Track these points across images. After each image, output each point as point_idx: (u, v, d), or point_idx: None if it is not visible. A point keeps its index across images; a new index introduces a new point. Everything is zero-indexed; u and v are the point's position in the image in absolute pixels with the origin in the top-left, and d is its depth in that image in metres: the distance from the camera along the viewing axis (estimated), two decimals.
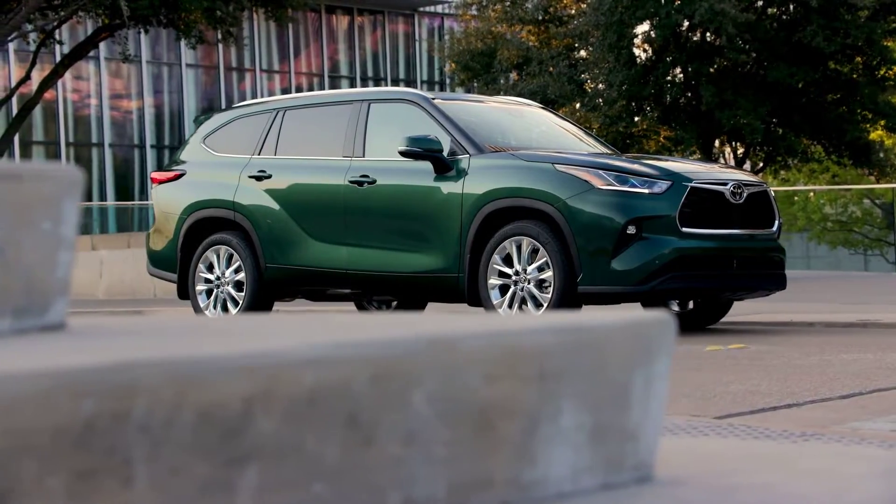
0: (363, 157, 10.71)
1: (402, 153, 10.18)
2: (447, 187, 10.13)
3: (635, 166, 9.81)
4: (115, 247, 20.17)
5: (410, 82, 49.51)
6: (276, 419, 1.28)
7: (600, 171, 9.65)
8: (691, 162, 11.30)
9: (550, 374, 1.50)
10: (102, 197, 43.56)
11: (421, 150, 10.11)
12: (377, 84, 48.07)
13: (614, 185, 9.56)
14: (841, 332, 9.90)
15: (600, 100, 28.87)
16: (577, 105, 28.87)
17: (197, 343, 1.42)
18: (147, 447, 1.21)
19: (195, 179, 11.74)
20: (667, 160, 10.83)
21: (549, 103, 28.56)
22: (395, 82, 48.93)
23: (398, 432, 1.38)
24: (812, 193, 48.86)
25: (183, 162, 12.06)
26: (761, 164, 31.24)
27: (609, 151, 11.25)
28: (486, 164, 10.04)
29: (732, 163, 31.75)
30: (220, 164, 11.63)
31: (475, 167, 10.04)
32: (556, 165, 9.79)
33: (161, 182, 12.03)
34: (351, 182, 10.64)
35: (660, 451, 1.70)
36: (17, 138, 40.43)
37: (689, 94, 29.53)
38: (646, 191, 9.56)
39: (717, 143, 31.39)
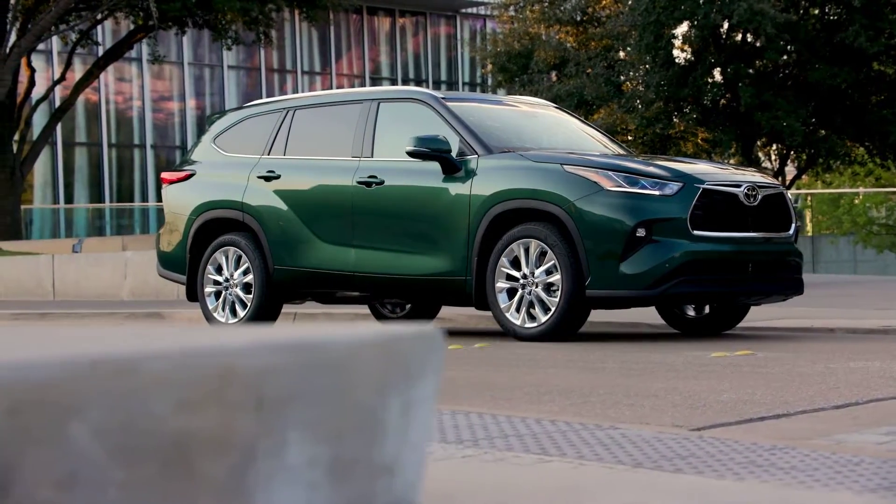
0: (371, 157, 10.50)
1: (410, 153, 9.96)
2: (455, 188, 9.90)
3: (645, 167, 9.52)
4: (143, 248, 20.05)
5: (452, 84, 49.37)
6: None
7: (609, 172, 9.38)
8: (705, 163, 10.96)
9: (272, 400, 1.25)
10: (144, 198, 43.69)
11: (429, 150, 9.89)
12: (419, 87, 48.01)
13: (624, 187, 9.28)
14: (860, 338, 9.57)
15: (638, 101, 28.55)
16: (615, 107, 28.55)
17: None
18: None
19: (205, 180, 11.58)
20: (680, 161, 10.52)
21: (586, 105, 28.32)
22: (437, 85, 48.83)
23: (50, 474, 1.14)
24: (859, 196, 48.37)
25: (194, 162, 11.90)
26: (804, 167, 30.87)
27: (623, 153, 10.97)
28: (495, 164, 9.79)
29: (778, 165, 31.43)
30: (230, 164, 11.46)
31: (483, 168, 9.80)
32: (564, 166, 9.52)
33: (171, 182, 11.88)
34: (359, 183, 10.43)
35: (451, 484, 1.45)
36: (59, 139, 40.59)
37: (728, 96, 29.14)
38: (656, 192, 9.27)
39: (757, 144, 31.00)
